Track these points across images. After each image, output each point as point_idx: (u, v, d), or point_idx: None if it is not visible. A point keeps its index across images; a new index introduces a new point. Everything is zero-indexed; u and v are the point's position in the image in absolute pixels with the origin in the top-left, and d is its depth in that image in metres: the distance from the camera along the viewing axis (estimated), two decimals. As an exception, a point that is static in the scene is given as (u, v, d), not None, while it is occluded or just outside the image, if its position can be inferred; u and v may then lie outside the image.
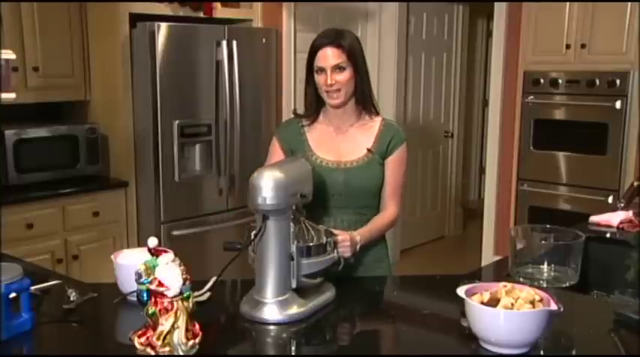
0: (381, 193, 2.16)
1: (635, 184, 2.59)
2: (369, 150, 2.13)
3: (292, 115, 2.28)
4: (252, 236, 1.73)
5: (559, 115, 4.60)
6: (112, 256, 1.84)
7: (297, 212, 1.79)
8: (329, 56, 2.04)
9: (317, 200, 1.99)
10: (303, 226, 1.82)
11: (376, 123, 2.17)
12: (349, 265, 2.01)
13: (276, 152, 2.23)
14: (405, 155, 2.18)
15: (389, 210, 2.16)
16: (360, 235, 2.00)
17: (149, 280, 1.45)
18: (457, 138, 6.23)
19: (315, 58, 2.07)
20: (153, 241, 1.52)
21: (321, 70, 2.06)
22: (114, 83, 3.79)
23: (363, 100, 2.13)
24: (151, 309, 1.43)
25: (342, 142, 2.16)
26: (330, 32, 2.08)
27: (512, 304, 1.48)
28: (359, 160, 2.12)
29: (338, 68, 2.04)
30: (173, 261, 1.47)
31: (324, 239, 1.83)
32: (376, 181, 2.14)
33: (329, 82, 2.05)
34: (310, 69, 2.11)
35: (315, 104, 2.17)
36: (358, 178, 2.11)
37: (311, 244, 1.79)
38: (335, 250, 1.85)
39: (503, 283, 1.56)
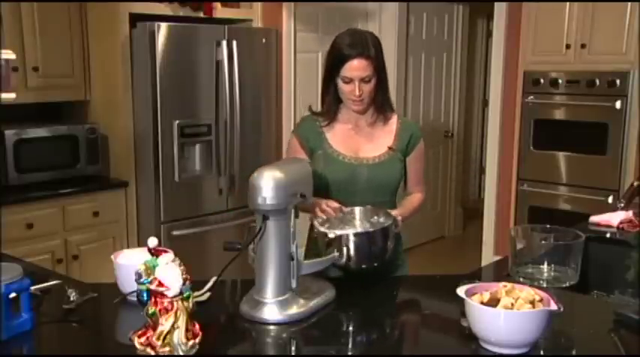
0: (397, 190, 2.24)
1: (635, 184, 2.59)
2: (390, 148, 2.19)
3: (308, 112, 2.30)
4: (253, 236, 1.73)
5: (559, 115, 4.60)
6: (112, 256, 1.84)
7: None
8: (359, 69, 2.07)
9: (339, 195, 2.10)
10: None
11: (393, 121, 2.25)
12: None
13: (297, 150, 2.24)
14: (423, 149, 2.30)
15: (416, 195, 2.30)
16: (400, 214, 2.07)
17: (149, 280, 1.45)
18: (457, 138, 6.23)
19: (343, 68, 2.08)
20: (153, 241, 1.52)
21: (349, 79, 2.09)
22: (114, 83, 3.79)
23: (382, 101, 2.19)
24: (151, 309, 1.43)
25: (361, 140, 2.21)
26: (357, 40, 2.08)
27: (512, 304, 1.48)
28: (381, 156, 2.19)
29: (365, 79, 2.08)
30: (173, 261, 1.47)
31: (383, 221, 1.95)
32: (397, 178, 2.22)
33: (357, 93, 2.09)
34: (331, 73, 2.13)
35: (334, 105, 2.20)
36: (381, 174, 2.17)
37: (384, 224, 1.93)
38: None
39: (503, 283, 1.56)
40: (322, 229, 1.94)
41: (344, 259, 1.89)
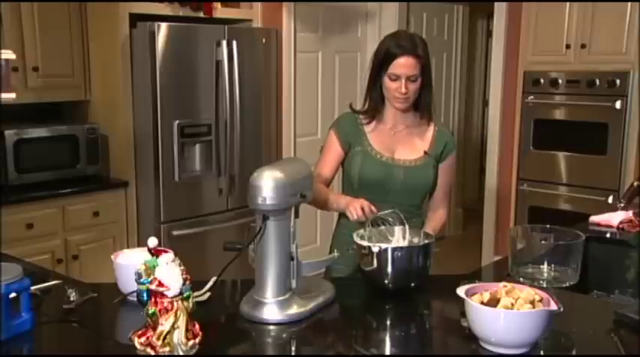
0: (428, 195, 2.27)
1: (635, 184, 2.60)
2: (425, 152, 2.22)
3: (349, 109, 2.32)
4: (253, 236, 1.73)
5: (559, 115, 4.60)
6: (112, 256, 1.84)
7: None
8: (407, 66, 2.11)
9: (374, 193, 2.13)
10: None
11: (430, 127, 2.27)
12: None
13: (334, 145, 2.26)
14: (455, 162, 2.31)
15: (440, 211, 2.30)
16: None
17: (149, 280, 1.45)
18: (457, 138, 6.22)
19: (392, 65, 2.11)
20: (153, 241, 1.52)
21: (396, 77, 2.12)
22: (114, 83, 3.79)
23: (423, 106, 2.22)
24: (151, 309, 1.43)
25: (398, 141, 2.24)
26: (407, 39, 2.15)
27: (512, 304, 1.48)
28: (417, 160, 2.22)
29: (412, 78, 2.11)
30: (173, 261, 1.47)
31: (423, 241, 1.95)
32: (431, 183, 2.24)
33: (403, 90, 2.12)
34: (378, 71, 2.15)
35: (378, 105, 2.23)
36: (416, 178, 2.20)
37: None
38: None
39: (504, 283, 1.56)
40: (365, 242, 1.89)
41: (383, 277, 1.85)
